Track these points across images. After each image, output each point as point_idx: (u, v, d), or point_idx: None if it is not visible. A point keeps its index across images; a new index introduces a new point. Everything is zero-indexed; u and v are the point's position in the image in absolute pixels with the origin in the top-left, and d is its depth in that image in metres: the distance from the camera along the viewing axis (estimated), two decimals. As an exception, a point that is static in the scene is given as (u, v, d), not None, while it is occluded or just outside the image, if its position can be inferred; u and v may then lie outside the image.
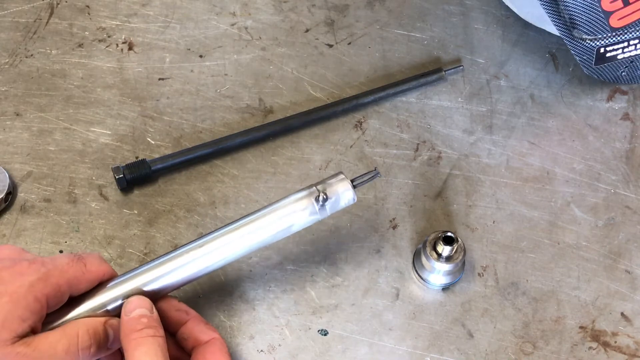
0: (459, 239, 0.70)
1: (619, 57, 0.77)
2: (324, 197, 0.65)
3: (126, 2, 0.89)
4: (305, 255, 0.75)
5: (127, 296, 0.63)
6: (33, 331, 0.59)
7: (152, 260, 0.65)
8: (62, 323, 0.61)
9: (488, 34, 0.89)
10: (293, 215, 0.65)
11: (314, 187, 0.66)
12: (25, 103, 0.83)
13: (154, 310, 0.62)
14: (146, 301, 0.62)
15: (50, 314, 0.61)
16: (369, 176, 0.67)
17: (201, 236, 0.65)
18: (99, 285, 0.63)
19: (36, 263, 0.60)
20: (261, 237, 0.65)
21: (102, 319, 0.61)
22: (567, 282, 0.75)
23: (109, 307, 0.62)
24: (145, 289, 0.63)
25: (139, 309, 0.61)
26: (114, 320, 0.62)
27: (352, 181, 0.66)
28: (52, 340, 0.58)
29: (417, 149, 0.81)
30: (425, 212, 0.78)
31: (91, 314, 0.62)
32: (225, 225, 0.65)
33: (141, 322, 0.60)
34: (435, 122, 0.83)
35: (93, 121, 0.82)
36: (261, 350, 0.71)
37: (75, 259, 0.62)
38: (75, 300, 0.62)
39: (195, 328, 0.64)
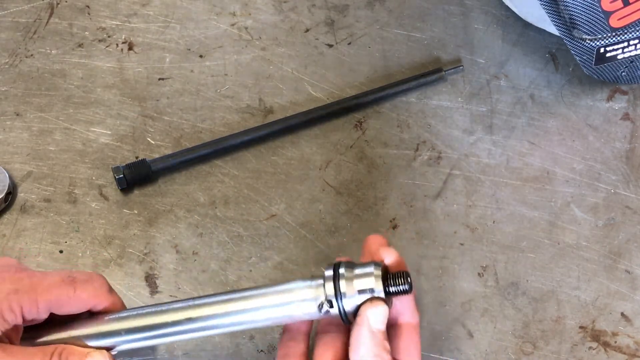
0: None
1: (619, 57, 0.77)
2: (329, 304, 0.56)
3: (126, 2, 0.89)
4: (306, 255, 0.75)
5: (110, 338, 0.60)
6: (10, 340, 0.58)
7: (153, 305, 0.62)
8: (43, 343, 0.60)
9: (488, 34, 0.89)
10: (291, 306, 0.57)
11: (323, 286, 0.56)
12: (25, 103, 0.83)
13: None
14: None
15: (32, 329, 0.59)
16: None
17: (201, 296, 0.61)
18: (94, 315, 0.61)
19: (22, 273, 0.58)
20: (257, 319, 0.58)
21: (85, 351, 0.59)
22: (567, 282, 0.75)
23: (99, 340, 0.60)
24: (136, 335, 0.60)
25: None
26: (97, 354, 0.59)
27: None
28: (29, 352, 0.57)
29: (417, 149, 0.81)
30: (425, 212, 0.78)
31: (76, 342, 0.60)
32: (238, 291, 0.60)
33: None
34: (435, 122, 0.83)
35: (93, 121, 0.82)
36: (261, 350, 0.71)
37: (68, 280, 0.58)
38: (63, 321, 0.60)
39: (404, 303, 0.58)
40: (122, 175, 0.76)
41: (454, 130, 0.83)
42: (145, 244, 0.76)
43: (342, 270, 0.56)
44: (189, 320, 0.59)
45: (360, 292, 0.55)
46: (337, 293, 0.55)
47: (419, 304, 0.72)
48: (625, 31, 0.75)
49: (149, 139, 0.81)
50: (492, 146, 0.82)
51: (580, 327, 0.73)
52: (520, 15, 0.88)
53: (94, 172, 0.79)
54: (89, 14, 0.88)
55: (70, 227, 0.76)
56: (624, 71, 0.80)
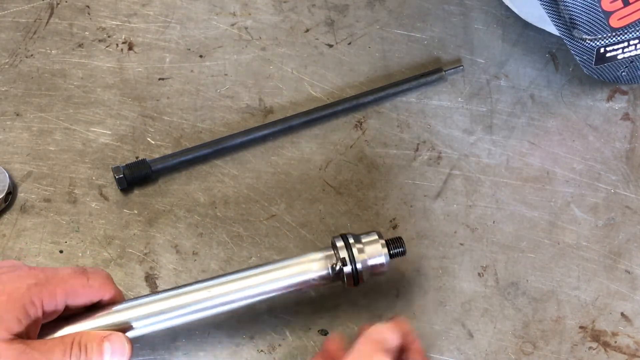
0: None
1: (619, 57, 0.77)
2: (342, 263, 0.66)
3: (126, 2, 0.89)
4: (305, 255, 0.75)
5: (123, 326, 0.62)
6: (28, 336, 0.59)
7: (159, 292, 0.65)
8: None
9: (488, 34, 0.89)
10: (305, 275, 0.66)
11: (334, 252, 0.66)
12: (25, 103, 0.83)
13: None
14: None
15: (47, 325, 0.61)
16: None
17: (208, 279, 0.66)
18: (102, 307, 0.63)
19: (35, 269, 0.60)
20: (272, 289, 0.66)
21: (103, 334, 0.61)
22: (567, 282, 0.75)
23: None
24: (147, 321, 0.63)
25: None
26: (114, 337, 0.61)
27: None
28: (50, 344, 0.59)
29: (417, 149, 0.81)
30: (425, 212, 0.78)
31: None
32: (236, 272, 0.66)
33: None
34: (435, 122, 0.83)
35: (93, 121, 0.82)
36: (261, 350, 0.71)
37: (80, 271, 0.62)
38: (74, 317, 0.62)
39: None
40: (122, 175, 0.76)
41: (454, 130, 0.83)
42: (145, 244, 0.76)
43: (351, 240, 0.66)
44: (209, 298, 0.64)
45: (370, 256, 0.66)
46: (351, 257, 0.66)
47: (419, 304, 0.72)
48: (625, 31, 0.75)
49: (149, 139, 0.81)
50: (492, 146, 0.82)
51: (580, 327, 0.73)
52: (520, 15, 0.88)
53: (94, 172, 0.79)
54: (89, 14, 0.88)
55: (70, 227, 0.76)
56: (624, 71, 0.80)
